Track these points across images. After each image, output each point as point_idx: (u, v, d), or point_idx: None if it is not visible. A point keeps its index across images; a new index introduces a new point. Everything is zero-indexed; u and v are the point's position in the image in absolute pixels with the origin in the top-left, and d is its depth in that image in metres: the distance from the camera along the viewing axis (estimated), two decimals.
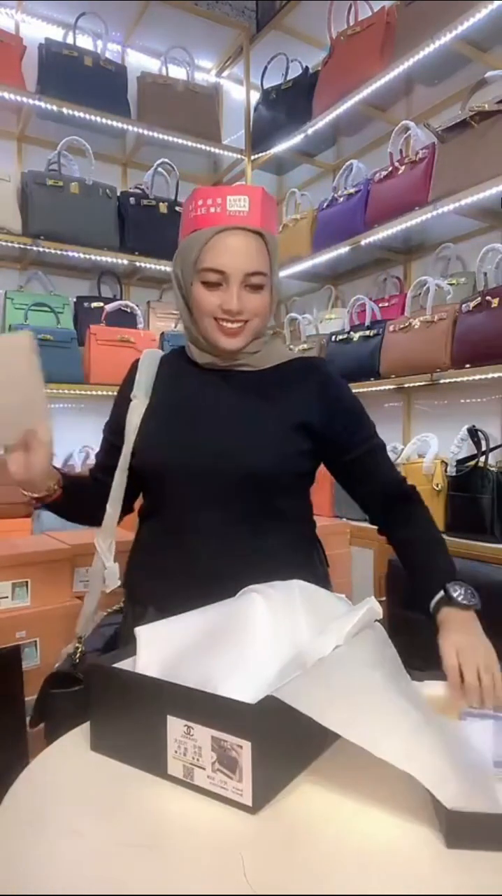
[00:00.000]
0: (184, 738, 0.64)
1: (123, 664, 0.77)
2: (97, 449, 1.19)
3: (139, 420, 1.06)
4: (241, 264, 0.97)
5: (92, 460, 1.45)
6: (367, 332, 2.37)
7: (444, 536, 1.90)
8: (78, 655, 1.09)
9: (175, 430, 1.03)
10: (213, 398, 1.04)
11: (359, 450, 1.06)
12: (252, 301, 0.99)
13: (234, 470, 0.98)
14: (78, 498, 1.10)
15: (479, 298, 1.92)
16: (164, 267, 2.74)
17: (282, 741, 0.65)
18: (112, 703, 0.72)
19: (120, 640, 1.10)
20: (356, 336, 2.41)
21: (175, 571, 1.02)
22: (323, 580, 1.08)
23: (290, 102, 2.82)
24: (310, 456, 1.05)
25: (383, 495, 1.07)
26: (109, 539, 1.10)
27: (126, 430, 1.06)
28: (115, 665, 0.76)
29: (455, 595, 0.93)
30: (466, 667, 0.85)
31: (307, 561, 1.08)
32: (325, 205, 2.63)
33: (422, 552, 1.03)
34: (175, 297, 1.07)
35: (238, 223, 0.96)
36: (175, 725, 0.65)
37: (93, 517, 1.12)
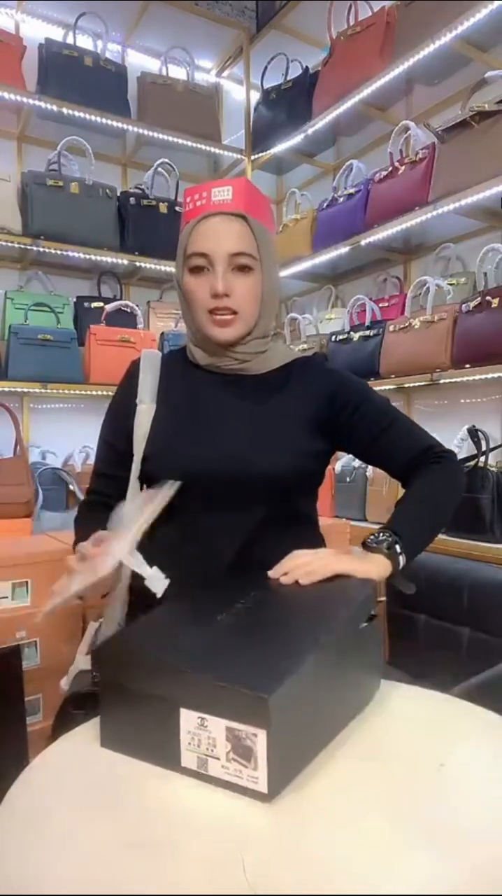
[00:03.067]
0: (198, 729, 0.64)
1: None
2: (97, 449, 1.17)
3: (149, 426, 1.04)
4: (223, 245, 0.97)
5: (92, 460, 1.44)
6: (367, 332, 2.37)
7: (444, 536, 1.90)
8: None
9: (188, 436, 1.02)
10: (223, 403, 1.04)
11: (370, 434, 1.04)
12: (239, 284, 0.99)
13: (250, 476, 0.97)
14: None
15: (479, 298, 1.92)
16: (164, 267, 2.74)
17: (297, 727, 0.66)
18: (123, 700, 0.72)
19: None
20: (356, 336, 2.41)
21: (189, 574, 0.99)
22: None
23: (290, 102, 2.82)
24: (323, 456, 1.05)
25: (407, 468, 1.05)
26: (131, 548, 1.07)
27: (135, 437, 1.04)
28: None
29: (369, 538, 0.93)
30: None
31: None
32: (325, 205, 2.63)
33: (397, 507, 1.02)
34: (179, 298, 1.07)
35: (220, 209, 0.98)
36: (188, 718, 0.65)
37: None
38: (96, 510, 1.08)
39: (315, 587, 0.86)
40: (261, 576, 0.91)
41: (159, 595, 0.99)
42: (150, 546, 1.09)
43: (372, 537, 0.93)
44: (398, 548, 0.91)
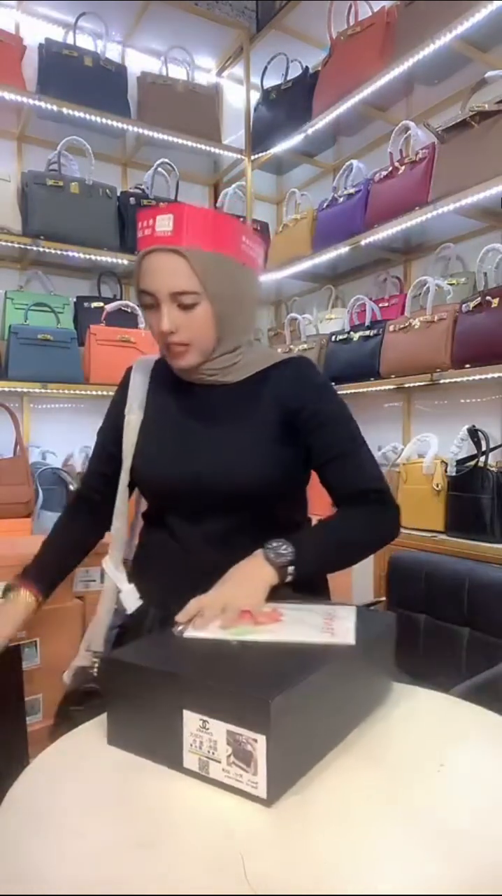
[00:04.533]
0: (200, 731, 0.65)
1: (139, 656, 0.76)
2: None
3: (135, 437, 1.07)
4: (164, 284, 0.95)
5: None
6: (367, 332, 2.37)
7: (444, 536, 1.90)
8: (96, 670, 1.09)
9: (167, 448, 1.05)
10: (200, 414, 1.05)
11: (324, 456, 1.03)
12: (186, 320, 0.97)
13: (223, 488, 0.99)
14: (71, 561, 1.17)
15: (479, 298, 1.92)
16: None
17: (297, 734, 0.66)
18: (129, 698, 0.72)
19: (125, 639, 1.10)
20: (356, 336, 2.41)
21: (175, 577, 1.04)
22: (320, 579, 1.09)
23: (290, 102, 2.82)
24: (296, 462, 1.04)
25: (344, 501, 1.04)
26: (119, 555, 1.12)
27: (124, 446, 1.08)
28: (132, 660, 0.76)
29: (272, 544, 0.93)
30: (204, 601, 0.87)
31: None
32: (325, 205, 2.63)
33: (315, 526, 1.03)
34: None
35: (161, 244, 0.95)
36: (191, 719, 0.65)
37: (100, 533, 1.18)
38: (75, 516, 1.20)
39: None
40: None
41: (129, 611, 1.05)
42: (141, 553, 1.12)
43: (275, 548, 0.92)
44: (291, 569, 0.92)
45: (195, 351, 1.00)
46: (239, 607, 0.85)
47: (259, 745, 0.61)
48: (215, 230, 0.97)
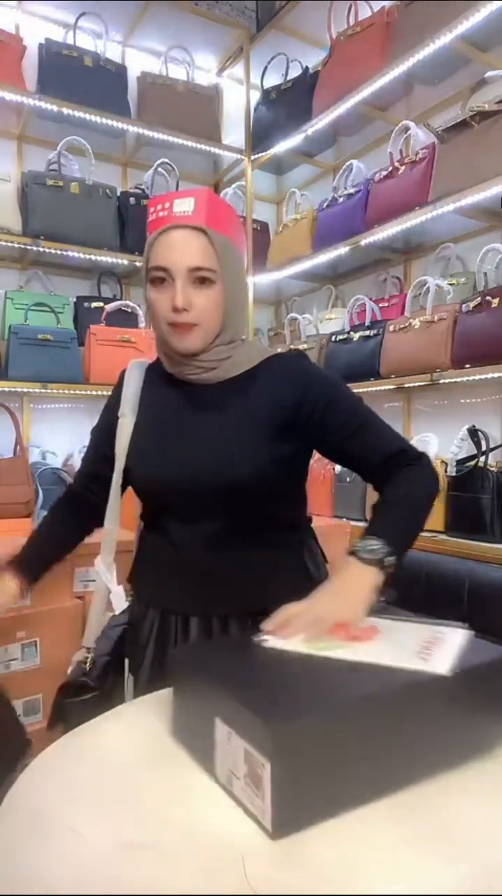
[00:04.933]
0: (227, 744, 0.63)
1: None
2: None
3: (128, 439, 1.07)
4: (183, 259, 0.97)
5: None
6: (367, 332, 2.37)
7: (444, 536, 1.90)
8: (89, 664, 1.10)
9: (160, 449, 1.05)
10: (191, 414, 1.05)
11: (341, 434, 1.03)
12: (200, 297, 0.98)
13: (217, 487, 0.99)
14: (56, 555, 1.17)
15: (479, 298, 1.92)
16: None
17: (319, 768, 0.59)
18: (184, 696, 0.73)
19: (126, 638, 1.11)
20: (356, 336, 2.41)
21: (173, 578, 1.04)
22: (320, 577, 1.09)
23: (290, 102, 2.82)
24: (291, 459, 1.04)
25: (380, 470, 1.03)
26: (110, 556, 1.13)
27: (116, 449, 1.08)
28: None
29: (358, 546, 0.91)
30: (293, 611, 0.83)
31: (297, 561, 1.09)
32: (325, 205, 2.63)
33: (377, 512, 1.00)
34: (147, 310, 1.08)
35: (180, 222, 0.97)
36: (221, 730, 0.64)
37: (87, 530, 1.19)
38: (64, 512, 1.20)
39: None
40: (239, 580, 0.90)
41: (117, 612, 1.06)
42: (139, 555, 1.13)
43: (363, 547, 0.90)
44: (389, 560, 0.90)
45: (201, 332, 1.00)
46: (334, 620, 0.80)
47: (266, 770, 0.57)
48: (228, 219, 1.03)
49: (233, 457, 0.99)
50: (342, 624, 0.80)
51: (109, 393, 1.17)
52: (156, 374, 1.12)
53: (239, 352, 1.06)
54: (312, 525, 1.15)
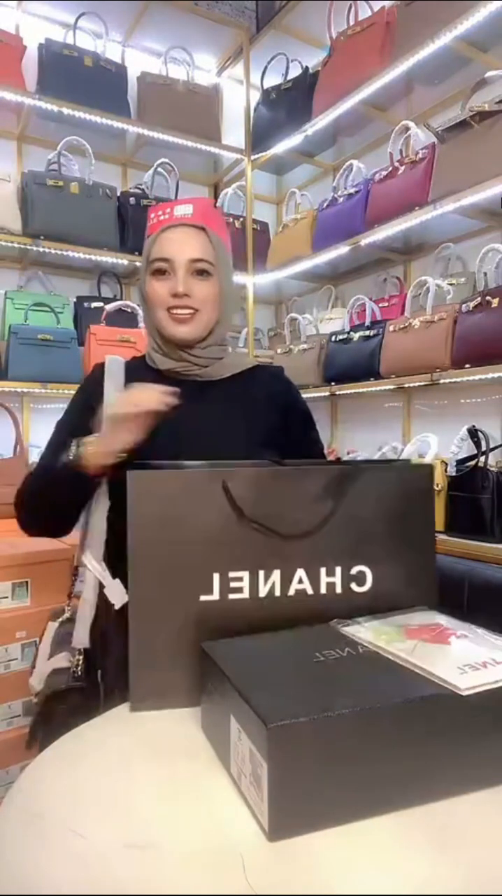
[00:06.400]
0: (238, 742, 0.63)
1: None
2: None
3: None
4: (184, 251, 1.06)
5: None
6: (367, 332, 2.37)
7: (444, 536, 1.91)
8: (80, 669, 1.08)
9: (153, 446, 1.02)
10: (186, 413, 1.04)
11: (300, 445, 1.16)
12: (199, 287, 1.07)
13: None
14: (80, 497, 1.08)
15: (479, 298, 1.92)
16: None
17: (312, 776, 0.57)
18: (209, 690, 0.73)
19: (108, 633, 1.09)
20: (356, 336, 2.41)
21: None
22: None
23: (290, 102, 2.82)
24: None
25: None
26: (98, 550, 1.09)
27: None
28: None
29: None
30: None
31: None
32: (325, 205, 2.63)
33: None
34: (141, 306, 1.12)
35: (182, 221, 1.08)
36: (234, 727, 0.64)
37: (63, 525, 1.12)
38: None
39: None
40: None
41: (117, 606, 1.04)
42: (115, 551, 1.10)
43: None
44: None
45: (199, 320, 1.07)
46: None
47: (264, 771, 0.57)
48: (222, 225, 1.14)
49: (230, 453, 0.99)
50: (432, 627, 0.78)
51: None
52: (140, 370, 1.13)
53: (229, 356, 1.14)
54: None
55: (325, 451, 1.26)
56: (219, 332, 1.12)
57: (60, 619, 1.18)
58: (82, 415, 1.09)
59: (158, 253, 1.07)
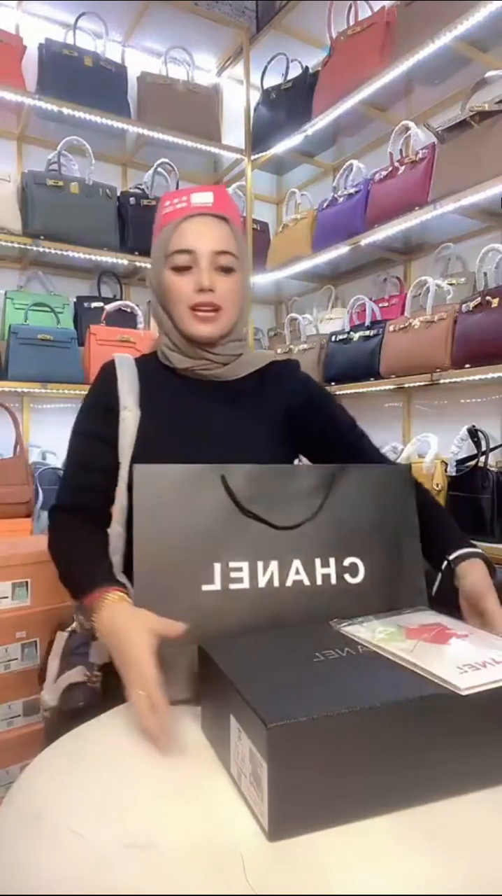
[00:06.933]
0: (238, 741, 0.63)
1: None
2: None
3: (135, 432, 1.01)
4: (209, 243, 0.99)
5: None
6: (367, 332, 2.36)
7: None
8: (98, 683, 1.01)
9: (173, 445, 1.01)
10: (204, 411, 1.03)
11: (345, 440, 1.09)
12: (223, 282, 1.00)
13: None
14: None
15: (479, 298, 1.92)
16: None
17: (313, 776, 0.57)
18: (209, 691, 0.73)
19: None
20: (356, 336, 2.41)
21: None
22: None
23: (290, 102, 2.82)
24: (292, 459, 1.08)
25: None
26: (119, 557, 1.02)
27: (121, 444, 1.01)
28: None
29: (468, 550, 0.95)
30: None
31: None
32: (325, 205, 2.63)
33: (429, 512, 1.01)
34: (152, 304, 1.07)
35: (203, 210, 1.00)
36: (234, 727, 0.64)
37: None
38: (85, 529, 1.01)
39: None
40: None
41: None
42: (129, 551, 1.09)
43: (471, 550, 0.95)
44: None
45: (222, 318, 1.01)
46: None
47: (264, 771, 0.56)
48: (239, 216, 1.07)
49: (252, 452, 0.97)
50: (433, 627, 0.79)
51: None
52: (152, 368, 1.08)
53: (247, 352, 1.08)
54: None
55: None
56: (238, 330, 1.05)
57: (69, 629, 1.11)
58: (99, 418, 1.05)
59: (179, 244, 0.99)
